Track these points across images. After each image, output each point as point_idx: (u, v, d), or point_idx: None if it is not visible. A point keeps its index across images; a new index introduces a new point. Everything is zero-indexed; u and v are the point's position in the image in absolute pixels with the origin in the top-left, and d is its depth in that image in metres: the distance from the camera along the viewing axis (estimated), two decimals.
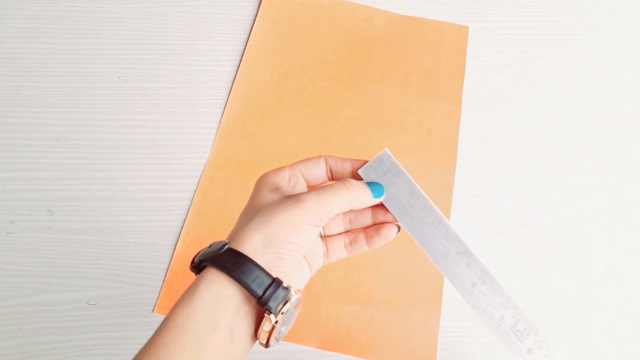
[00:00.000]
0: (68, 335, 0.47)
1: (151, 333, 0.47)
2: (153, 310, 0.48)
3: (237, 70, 0.61)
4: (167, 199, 0.54)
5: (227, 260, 0.27)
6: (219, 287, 0.27)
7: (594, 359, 0.48)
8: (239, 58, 0.62)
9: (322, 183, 0.34)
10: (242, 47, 0.63)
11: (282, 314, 0.27)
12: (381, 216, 0.34)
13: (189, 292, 0.28)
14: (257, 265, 0.27)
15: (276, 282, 0.27)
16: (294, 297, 0.28)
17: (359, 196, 0.31)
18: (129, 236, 0.51)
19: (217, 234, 0.52)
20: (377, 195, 0.32)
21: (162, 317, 0.48)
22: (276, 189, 0.31)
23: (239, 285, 0.27)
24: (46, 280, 0.49)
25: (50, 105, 0.59)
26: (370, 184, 0.32)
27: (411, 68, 0.62)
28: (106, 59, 0.62)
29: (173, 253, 0.51)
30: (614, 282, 0.51)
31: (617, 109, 0.60)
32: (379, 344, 0.48)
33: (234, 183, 0.55)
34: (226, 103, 0.59)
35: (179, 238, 0.52)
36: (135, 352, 0.46)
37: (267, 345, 0.28)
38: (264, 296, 0.27)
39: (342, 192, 0.30)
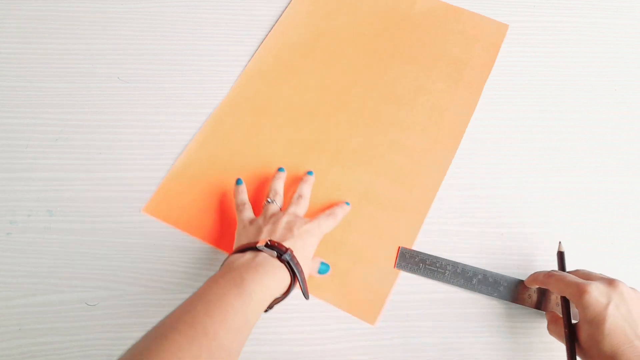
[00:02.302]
0: (67, 336, 0.47)
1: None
2: (153, 312, 0.48)
3: (242, 71, 0.61)
4: None
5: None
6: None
7: None
8: (239, 59, 0.62)
9: None
10: (242, 48, 0.63)
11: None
12: None
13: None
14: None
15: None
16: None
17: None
18: (129, 237, 0.51)
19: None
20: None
21: (162, 316, 0.48)
22: None
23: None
24: (46, 281, 0.49)
25: (50, 106, 0.59)
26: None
27: (441, 53, 0.63)
28: (106, 60, 0.62)
29: (173, 253, 0.51)
30: None
31: (617, 109, 0.60)
32: (332, 288, 0.50)
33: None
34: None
35: (178, 239, 0.52)
36: None
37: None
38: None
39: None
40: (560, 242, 0.48)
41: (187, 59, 0.62)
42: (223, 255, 0.51)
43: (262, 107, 0.59)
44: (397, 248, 0.51)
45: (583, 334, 0.40)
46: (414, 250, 0.51)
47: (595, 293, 0.39)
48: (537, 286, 0.47)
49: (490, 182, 0.55)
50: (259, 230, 0.45)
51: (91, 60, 0.62)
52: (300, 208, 0.49)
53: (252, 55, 0.62)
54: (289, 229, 0.45)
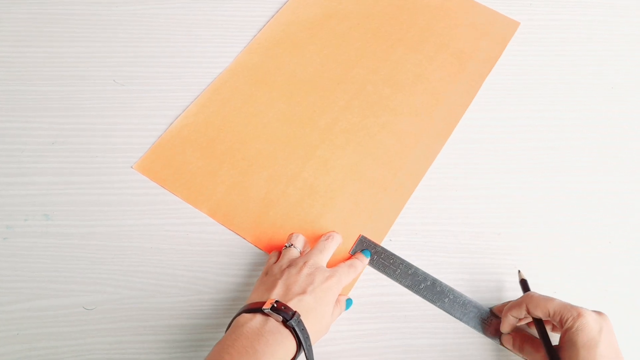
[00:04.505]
0: (65, 341, 0.47)
1: (148, 337, 0.47)
2: (150, 315, 0.48)
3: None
4: (163, 203, 0.53)
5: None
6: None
7: None
8: (233, 59, 0.62)
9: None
10: (237, 49, 0.63)
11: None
12: None
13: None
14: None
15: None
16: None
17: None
18: (126, 240, 0.51)
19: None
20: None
21: (160, 320, 0.48)
22: None
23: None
24: (43, 286, 0.49)
25: (45, 110, 0.58)
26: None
27: (447, 43, 0.63)
28: (101, 62, 0.62)
29: (170, 256, 0.51)
30: (611, 281, 0.51)
31: (615, 107, 0.60)
32: None
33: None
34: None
35: (177, 242, 0.52)
36: (132, 357, 0.46)
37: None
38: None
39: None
40: (519, 271, 0.49)
41: (182, 61, 0.62)
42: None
43: (262, 79, 0.61)
44: (358, 235, 0.52)
45: (568, 357, 0.40)
46: (372, 242, 0.51)
47: (590, 318, 0.40)
48: (512, 327, 0.45)
49: (486, 182, 0.55)
50: (273, 284, 0.43)
51: (86, 63, 0.62)
52: (323, 256, 0.47)
53: (260, 30, 0.64)
54: (308, 283, 0.43)
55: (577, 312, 0.40)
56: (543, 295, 0.43)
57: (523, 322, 0.46)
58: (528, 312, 0.43)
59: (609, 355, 0.39)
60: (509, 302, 0.46)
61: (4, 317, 0.48)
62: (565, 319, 0.40)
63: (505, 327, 0.46)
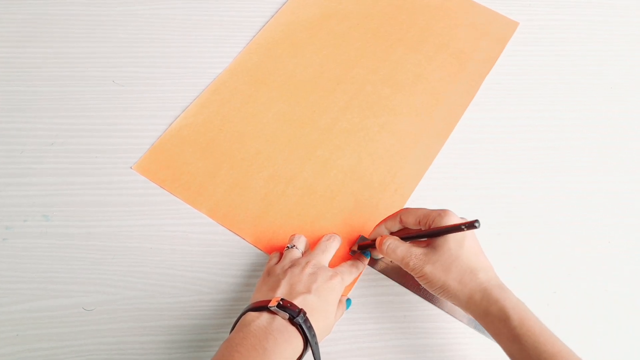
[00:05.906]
0: (65, 342, 0.47)
1: (148, 338, 0.47)
2: (151, 316, 0.48)
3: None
4: (163, 203, 0.53)
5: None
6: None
7: (592, 359, 0.48)
8: (232, 59, 0.62)
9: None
10: (236, 49, 0.63)
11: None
12: None
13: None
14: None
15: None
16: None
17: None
18: (125, 241, 0.51)
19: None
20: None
21: (160, 321, 0.48)
22: None
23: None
24: (42, 286, 0.49)
25: (45, 110, 0.58)
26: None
27: (446, 44, 0.63)
28: (101, 63, 0.62)
29: (170, 257, 0.51)
30: (611, 281, 0.51)
31: (615, 107, 0.60)
32: None
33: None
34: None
35: (177, 242, 0.52)
36: (133, 358, 0.46)
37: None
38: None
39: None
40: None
41: (182, 61, 0.62)
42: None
43: (261, 79, 0.61)
44: (358, 236, 0.52)
45: (439, 246, 0.42)
46: (372, 242, 0.51)
47: (454, 215, 0.43)
48: (378, 236, 0.47)
49: (485, 182, 0.55)
50: (277, 284, 0.43)
51: (86, 63, 0.62)
52: (326, 256, 0.47)
53: (259, 30, 0.64)
54: (311, 282, 0.43)
55: (442, 210, 0.43)
56: (410, 208, 0.46)
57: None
58: (401, 222, 0.45)
59: (475, 248, 0.43)
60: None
61: (4, 318, 0.48)
62: (432, 218, 0.43)
63: (373, 235, 0.48)
